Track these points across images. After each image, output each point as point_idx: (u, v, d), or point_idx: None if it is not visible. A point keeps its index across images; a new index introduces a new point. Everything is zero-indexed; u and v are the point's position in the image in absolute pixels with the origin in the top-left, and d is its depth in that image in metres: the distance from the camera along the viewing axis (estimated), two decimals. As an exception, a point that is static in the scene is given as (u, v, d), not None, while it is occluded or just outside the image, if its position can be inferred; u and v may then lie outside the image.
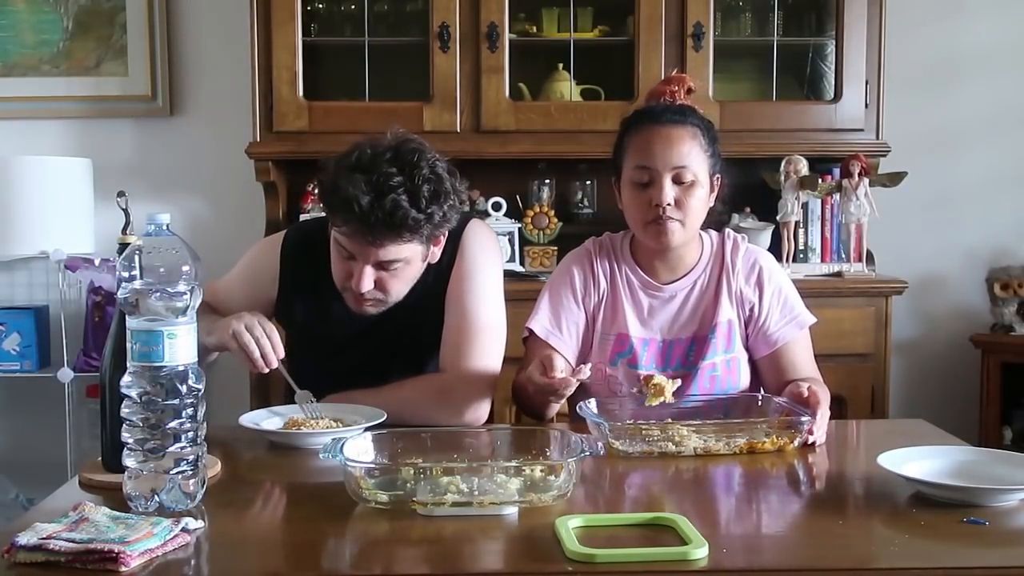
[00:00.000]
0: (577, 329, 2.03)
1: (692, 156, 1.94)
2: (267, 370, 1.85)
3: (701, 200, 1.96)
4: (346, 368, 1.96)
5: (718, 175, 2.01)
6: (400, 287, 1.93)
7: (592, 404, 1.81)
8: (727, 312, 2.01)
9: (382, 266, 1.88)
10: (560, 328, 2.02)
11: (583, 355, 2.04)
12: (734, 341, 2.02)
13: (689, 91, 2.06)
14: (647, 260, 2.03)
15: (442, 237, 1.95)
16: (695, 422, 1.76)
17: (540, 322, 2.03)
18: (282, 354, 1.85)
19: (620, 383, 1.99)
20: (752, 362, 2.05)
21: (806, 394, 1.80)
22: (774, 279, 2.04)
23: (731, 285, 2.02)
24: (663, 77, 3.12)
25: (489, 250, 2.05)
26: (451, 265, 2.00)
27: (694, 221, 1.97)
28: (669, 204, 1.92)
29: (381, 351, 1.99)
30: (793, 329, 2.03)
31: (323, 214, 1.96)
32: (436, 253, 1.97)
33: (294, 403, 1.89)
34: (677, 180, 1.94)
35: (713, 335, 2.00)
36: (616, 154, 2.02)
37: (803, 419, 1.72)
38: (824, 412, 1.78)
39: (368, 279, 1.88)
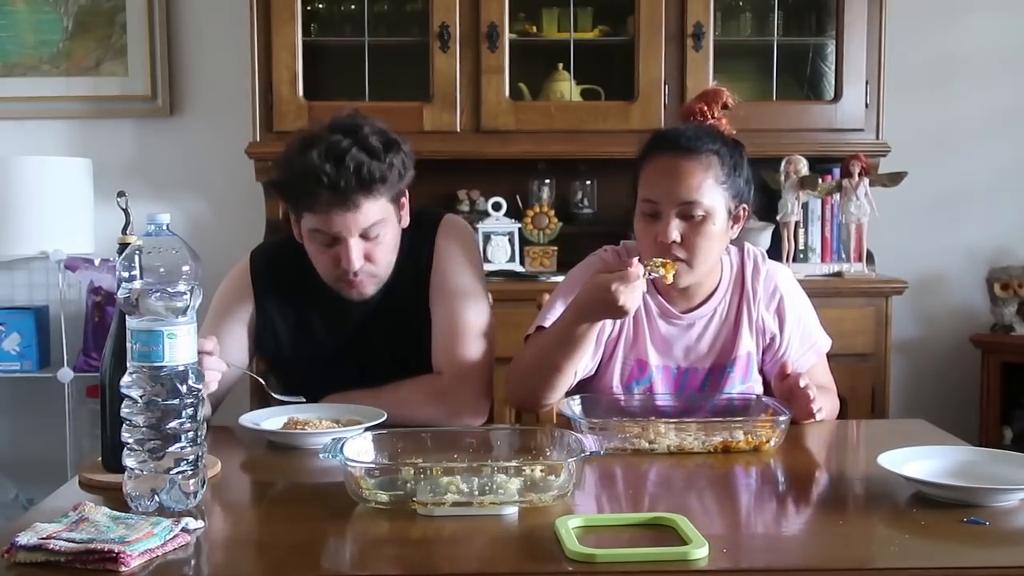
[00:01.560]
0: (597, 336, 1.87)
1: (703, 190, 1.83)
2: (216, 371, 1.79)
3: (713, 236, 1.85)
4: (337, 380, 1.94)
5: (744, 205, 1.91)
6: (386, 255, 1.93)
7: (575, 401, 1.81)
8: (747, 344, 1.95)
9: (365, 235, 1.88)
10: None
11: (599, 369, 1.96)
12: (751, 372, 1.97)
13: (724, 107, 1.96)
14: (663, 286, 1.90)
15: (404, 198, 1.96)
16: (674, 420, 1.75)
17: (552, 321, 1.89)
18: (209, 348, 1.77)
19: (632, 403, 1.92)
20: (766, 381, 2.01)
21: (788, 369, 1.83)
22: (794, 307, 1.99)
23: (752, 315, 1.96)
24: (661, 76, 3.17)
25: (466, 245, 2.04)
26: (429, 264, 1.99)
27: (704, 259, 1.87)
28: (675, 241, 1.83)
29: (369, 359, 1.97)
30: (811, 357, 2.00)
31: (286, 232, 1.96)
32: (405, 217, 1.97)
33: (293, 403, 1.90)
34: (685, 215, 1.84)
35: (732, 369, 1.95)
36: (633, 176, 1.93)
37: (780, 419, 1.71)
38: (809, 392, 1.81)
39: (357, 252, 1.88)
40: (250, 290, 2.02)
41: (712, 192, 1.84)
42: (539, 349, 1.87)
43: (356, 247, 1.88)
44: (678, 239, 1.84)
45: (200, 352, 1.72)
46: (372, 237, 1.89)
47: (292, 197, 1.90)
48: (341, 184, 1.82)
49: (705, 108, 1.95)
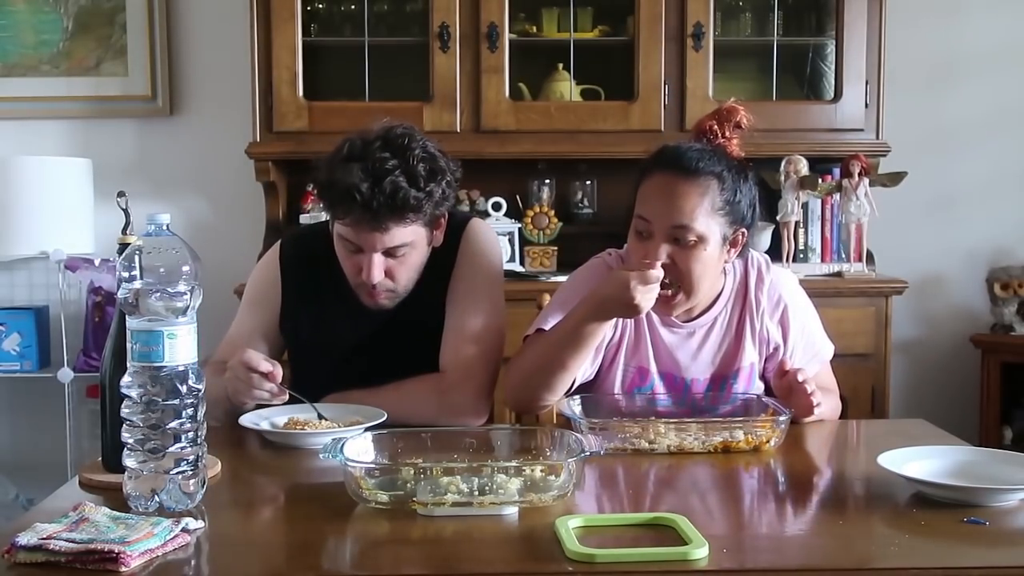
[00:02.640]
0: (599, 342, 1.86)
1: (696, 215, 1.79)
2: (281, 397, 1.83)
3: (705, 262, 1.82)
4: (353, 374, 1.94)
5: (743, 230, 1.88)
6: (408, 274, 1.94)
7: (575, 401, 1.80)
8: (750, 355, 1.94)
9: (390, 253, 1.89)
10: None
11: (599, 375, 1.95)
12: (754, 381, 1.96)
13: (737, 126, 1.90)
14: (662, 297, 1.83)
15: (443, 220, 1.96)
16: (674, 420, 1.75)
17: (554, 323, 1.88)
18: (279, 375, 1.82)
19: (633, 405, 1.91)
20: (767, 386, 1.99)
21: (787, 367, 1.85)
22: (798, 316, 1.97)
23: (755, 326, 1.93)
24: (661, 77, 3.17)
25: (489, 250, 2.05)
26: (452, 265, 2.00)
27: (697, 284, 1.84)
28: (665, 263, 1.80)
29: (386, 356, 1.97)
30: (815, 366, 1.99)
31: (320, 217, 1.96)
32: (439, 237, 1.98)
33: (293, 404, 1.89)
34: (676, 239, 1.81)
35: (735, 380, 1.94)
36: (635, 184, 1.90)
37: (780, 419, 1.71)
38: (808, 386, 1.82)
39: (378, 268, 1.89)
40: (278, 279, 2.05)
41: (706, 218, 1.81)
42: (544, 347, 1.86)
43: (378, 262, 1.89)
44: (666, 262, 1.81)
45: (259, 371, 1.79)
46: (397, 256, 1.90)
47: (327, 201, 1.90)
48: (373, 205, 1.82)
49: (716, 127, 1.90)
